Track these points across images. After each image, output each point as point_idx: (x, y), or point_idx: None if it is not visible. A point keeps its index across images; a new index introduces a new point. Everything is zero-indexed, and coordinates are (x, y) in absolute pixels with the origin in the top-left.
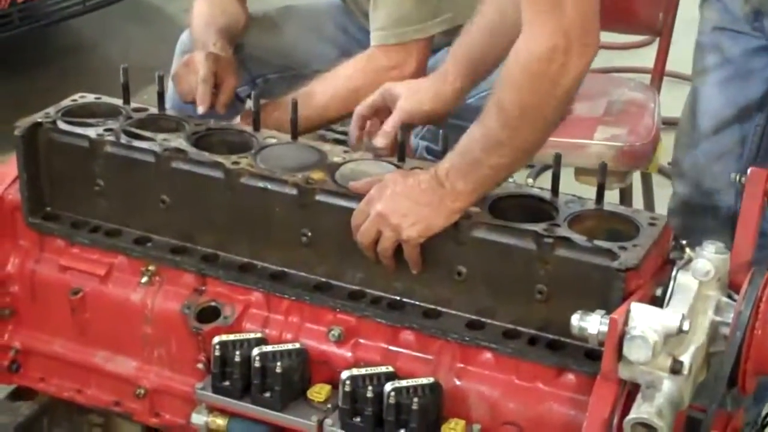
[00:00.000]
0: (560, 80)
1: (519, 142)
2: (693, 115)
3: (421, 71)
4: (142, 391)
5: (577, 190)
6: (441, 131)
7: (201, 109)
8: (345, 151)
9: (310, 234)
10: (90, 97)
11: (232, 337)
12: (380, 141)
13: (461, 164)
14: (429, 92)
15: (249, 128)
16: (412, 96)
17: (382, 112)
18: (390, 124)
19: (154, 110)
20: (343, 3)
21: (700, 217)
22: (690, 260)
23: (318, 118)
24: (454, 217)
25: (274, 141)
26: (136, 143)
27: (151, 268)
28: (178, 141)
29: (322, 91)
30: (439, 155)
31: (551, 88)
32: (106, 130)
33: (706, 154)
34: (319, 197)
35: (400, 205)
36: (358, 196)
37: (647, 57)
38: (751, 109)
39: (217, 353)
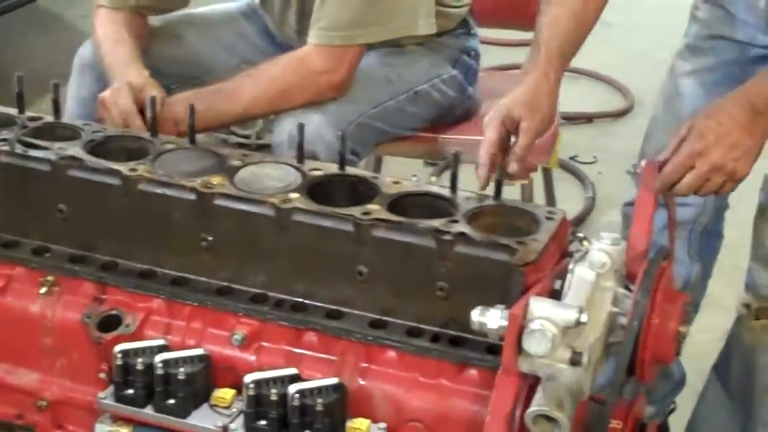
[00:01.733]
0: None
1: None
2: (674, 114)
3: (349, 80)
4: (44, 402)
5: (478, 188)
6: None
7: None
8: (244, 155)
9: (210, 239)
10: None
11: (133, 345)
12: (515, 167)
13: None
14: (544, 101)
15: (146, 134)
16: (534, 114)
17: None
18: (521, 147)
19: (49, 119)
20: (254, 7)
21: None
22: (587, 253)
23: (242, 114)
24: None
25: (171, 146)
26: (32, 152)
27: (49, 278)
28: (75, 149)
29: (249, 88)
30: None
31: None
32: (0, 140)
33: None
34: (219, 201)
35: (729, 149)
36: (258, 200)
37: None
38: None
39: (119, 362)
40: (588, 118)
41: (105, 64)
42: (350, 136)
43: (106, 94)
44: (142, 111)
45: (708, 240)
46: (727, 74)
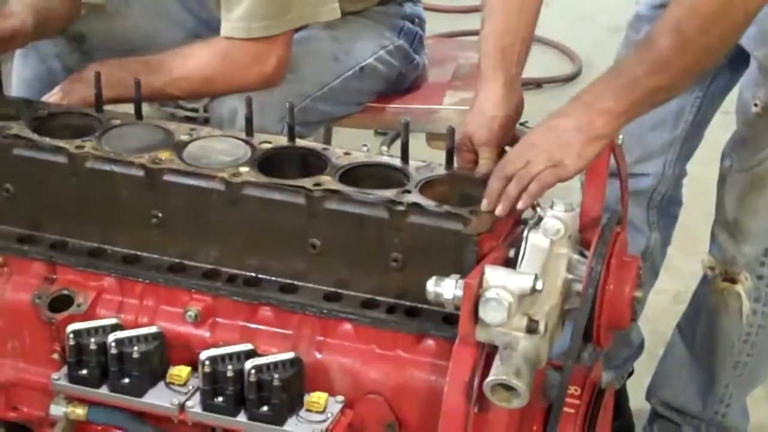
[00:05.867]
0: (749, 7)
1: (688, 64)
2: None
3: (282, 68)
4: None
5: (429, 157)
6: None
7: None
8: (192, 129)
9: (160, 215)
10: None
11: (86, 324)
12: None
13: (616, 84)
14: (489, 107)
15: (92, 110)
16: (481, 126)
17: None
18: (481, 167)
19: None
20: None
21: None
22: (540, 220)
23: (160, 90)
24: (601, 143)
25: (118, 122)
26: None
27: None
28: (19, 127)
29: (175, 66)
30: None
31: (741, 16)
32: None
33: (641, 124)
34: (168, 177)
35: (547, 129)
36: (207, 175)
37: None
38: None
39: (71, 342)
40: (537, 84)
41: None
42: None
43: None
44: None
45: (668, 208)
46: None
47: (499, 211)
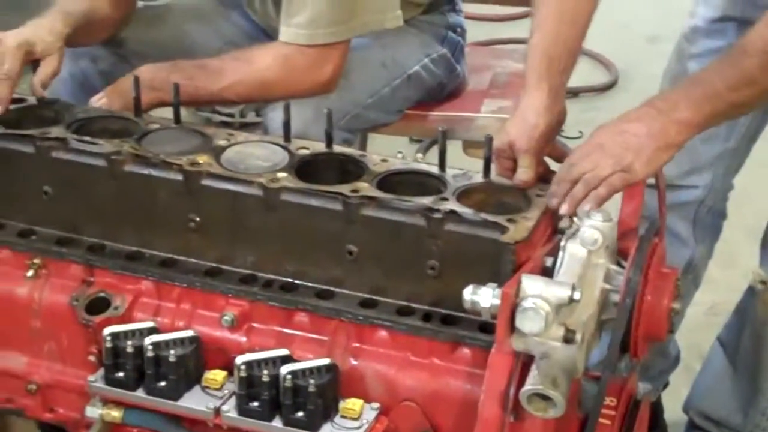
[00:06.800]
0: None
1: None
2: None
3: (337, 76)
4: (33, 386)
5: (466, 164)
6: None
7: None
8: (230, 134)
9: (198, 219)
10: None
11: (123, 327)
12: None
13: (694, 96)
14: (531, 115)
15: (130, 114)
16: (523, 135)
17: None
18: (520, 173)
19: (32, 100)
20: None
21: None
22: (578, 230)
23: (217, 94)
24: (672, 152)
25: (156, 126)
26: (15, 134)
27: (36, 260)
28: (59, 130)
29: (233, 71)
30: None
31: None
32: None
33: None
34: (206, 181)
35: (617, 134)
36: (244, 180)
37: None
38: None
39: (108, 345)
40: (573, 93)
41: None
42: (344, 127)
43: (8, 38)
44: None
45: (713, 221)
46: None
47: (564, 210)
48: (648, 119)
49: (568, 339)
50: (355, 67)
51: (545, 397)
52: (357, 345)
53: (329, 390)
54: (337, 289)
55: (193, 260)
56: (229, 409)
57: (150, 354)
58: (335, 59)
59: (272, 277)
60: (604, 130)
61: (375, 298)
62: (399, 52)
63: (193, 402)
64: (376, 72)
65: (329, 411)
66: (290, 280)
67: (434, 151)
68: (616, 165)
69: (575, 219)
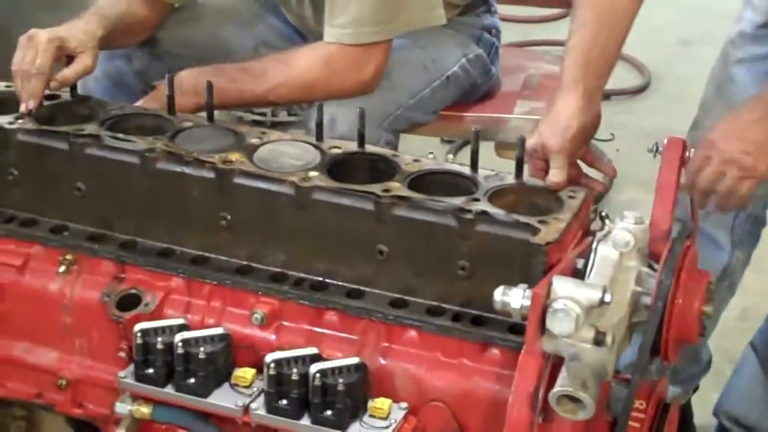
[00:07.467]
0: None
1: None
2: (726, 102)
3: (379, 75)
4: (63, 381)
5: (498, 166)
6: None
7: (25, 107)
8: (262, 133)
9: (229, 217)
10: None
11: (153, 324)
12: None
13: None
14: (565, 119)
15: (164, 112)
16: (556, 136)
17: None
18: (553, 176)
19: (66, 96)
20: None
21: None
22: (610, 232)
23: (263, 96)
24: None
25: (189, 124)
26: (49, 130)
27: (68, 257)
28: (92, 127)
29: (277, 73)
30: None
31: None
32: (17, 118)
33: None
34: (238, 179)
35: (737, 140)
36: (276, 179)
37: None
38: None
39: (139, 341)
40: (605, 95)
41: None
42: (387, 128)
43: (41, 35)
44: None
45: (753, 227)
46: None
47: None
48: (759, 107)
49: (598, 341)
50: (396, 67)
51: (574, 399)
52: (386, 344)
53: (358, 389)
54: (367, 289)
55: (223, 258)
56: (258, 407)
57: (180, 351)
58: (378, 58)
59: (302, 275)
60: (715, 127)
61: (405, 297)
62: (438, 52)
63: (222, 399)
64: (417, 73)
65: (357, 410)
66: (320, 278)
67: (465, 152)
68: (740, 170)
69: (607, 221)
